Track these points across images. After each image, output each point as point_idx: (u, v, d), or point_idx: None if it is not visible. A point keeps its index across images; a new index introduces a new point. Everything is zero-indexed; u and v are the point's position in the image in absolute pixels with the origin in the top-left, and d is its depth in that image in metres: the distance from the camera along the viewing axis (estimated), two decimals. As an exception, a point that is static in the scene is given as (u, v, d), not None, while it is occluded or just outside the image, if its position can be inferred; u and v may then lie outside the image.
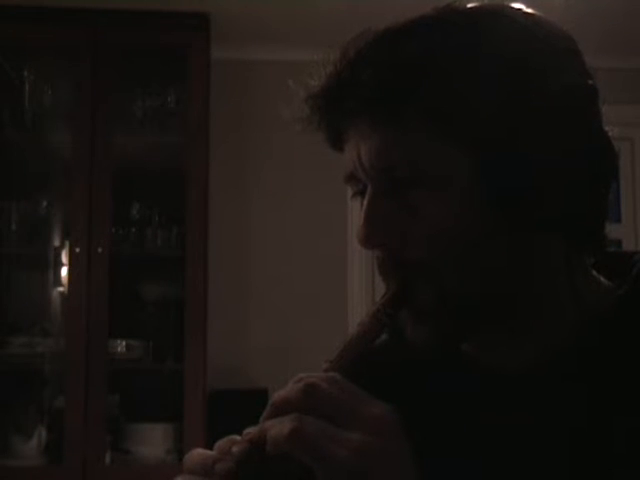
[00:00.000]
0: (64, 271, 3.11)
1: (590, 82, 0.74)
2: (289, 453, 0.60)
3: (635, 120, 3.14)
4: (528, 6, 0.76)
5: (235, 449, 0.63)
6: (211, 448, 0.66)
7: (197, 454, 0.65)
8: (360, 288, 3.36)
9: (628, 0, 3.05)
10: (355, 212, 3.28)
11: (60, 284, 3.17)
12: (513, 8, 0.75)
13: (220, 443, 0.65)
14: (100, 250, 2.96)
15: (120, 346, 3.03)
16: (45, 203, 3.17)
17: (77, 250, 2.97)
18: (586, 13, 2.66)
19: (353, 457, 0.59)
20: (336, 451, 0.59)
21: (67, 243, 3.04)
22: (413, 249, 0.73)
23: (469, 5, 0.74)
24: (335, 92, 0.73)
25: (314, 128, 0.77)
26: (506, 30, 0.72)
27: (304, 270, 3.36)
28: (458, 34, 0.71)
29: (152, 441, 2.99)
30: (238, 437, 0.65)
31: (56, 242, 3.18)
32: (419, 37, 0.72)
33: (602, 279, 0.79)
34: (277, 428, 0.61)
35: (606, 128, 0.75)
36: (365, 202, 0.75)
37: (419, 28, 0.73)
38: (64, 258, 3.09)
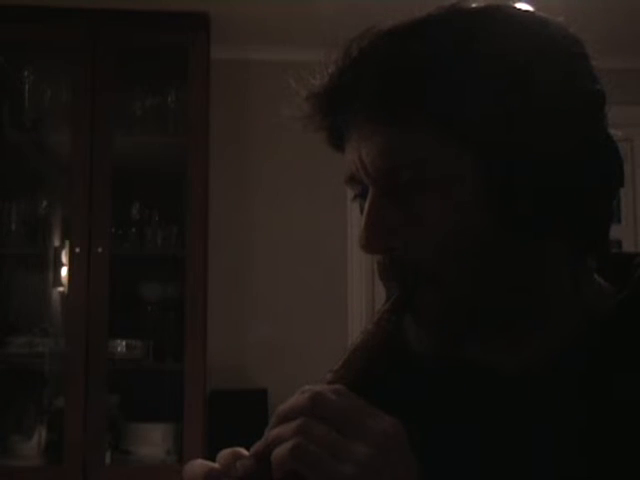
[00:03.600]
0: (64, 271, 3.11)
1: (597, 87, 0.73)
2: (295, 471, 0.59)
3: (634, 121, 3.14)
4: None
5: (240, 464, 0.62)
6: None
7: (199, 465, 0.63)
8: (360, 289, 3.36)
9: (627, 1, 3.05)
10: (355, 212, 3.27)
11: (60, 284, 3.16)
12: (519, 9, 0.74)
13: (223, 455, 0.63)
14: (100, 250, 2.96)
15: (120, 346, 3.03)
16: (45, 203, 3.16)
17: (77, 250, 2.97)
18: (584, 14, 2.66)
19: (359, 473, 0.59)
20: (341, 467, 0.58)
21: (67, 243, 3.04)
22: (416, 253, 0.71)
23: (474, 5, 0.73)
24: (338, 92, 0.72)
25: (315, 128, 0.75)
26: (512, 32, 0.71)
27: (304, 270, 3.36)
28: (463, 35, 0.70)
29: (152, 441, 2.99)
30: (242, 449, 0.64)
31: (56, 242, 3.17)
32: (424, 37, 0.71)
33: (603, 282, 0.79)
34: (280, 448, 0.59)
35: (611, 132, 0.74)
36: (366, 205, 0.73)
37: (424, 28, 0.72)
38: (64, 258, 3.09)
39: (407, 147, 0.70)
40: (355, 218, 3.23)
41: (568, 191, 0.71)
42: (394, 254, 0.72)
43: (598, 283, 0.78)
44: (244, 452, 0.63)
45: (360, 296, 3.35)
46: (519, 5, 0.75)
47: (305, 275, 3.36)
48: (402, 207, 0.72)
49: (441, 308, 0.72)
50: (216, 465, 0.63)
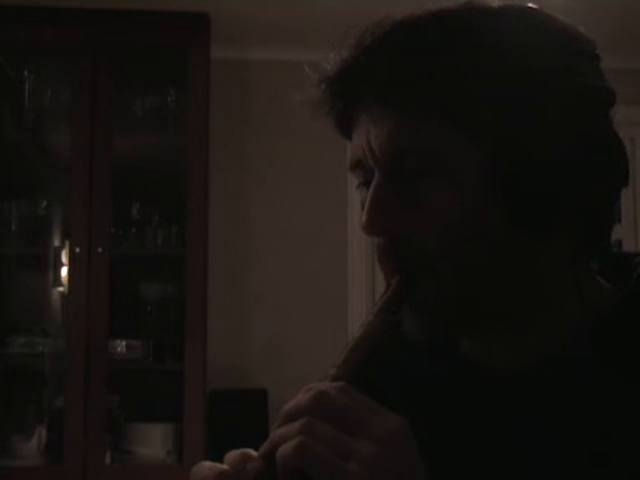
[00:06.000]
0: (64, 271, 3.11)
1: (606, 85, 0.74)
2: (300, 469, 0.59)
3: (635, 120, 3.14)
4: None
5: (250, 466, 0.61)
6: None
7: (208, 467, 0.63)
8: (360, 288, 3.36)
9: (627, 1, 3.06)
10: (355, 211, 3.28)
11: (60, 284, 3.17)
12: (533, 9, 0.75)
13: (232, 456, 0.63)
14: (100, 250, 2.96)
15: (120, 346, 3.03)
16: (45, 203, 3.16)
17: (77, 250, 2.97)
18: (585, 14, 2.66)
19: (364, 471, 0.58)
20: (346, 465, 0.58)
21: (67, 243, 3.04)
22: (416, 240, 0.72)
23: (489, 3, 0.74)
24: (350, 75, 0.73)
25: (324, 112, 0.76)
26: (524, 30, 0.72)
27: (304, 270, 3.36)
28: (476, 29, 0.71)
29: (152, 441, 2.99)
30: (250, 450, 0.63)
31: (56, 242, 3.18)
32: (437, 28, 0.72)
33: (603, 282, 0.79)
34: (285, 446, 0.59)
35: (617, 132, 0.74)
36: (371, 188, 0.73)
37: (439, 20, 0.73)
38: (64, 258, 3.09)
39: (415, 134, 0.71)
40: (356, 221, 3.24)
41: (570, 190, 0.71)
42: (393, 237, 0.73)
43: (598, 282, 0.78)
44: (252, 453, 0.63)
45: (361, 297, 3.35)
46: (533, 5, 0.76)
47: (305, 275, 3.36)
48: (406, 193, 0.72)
49: (436, 295, 0.72)
50: (225, 467, 0.63)
